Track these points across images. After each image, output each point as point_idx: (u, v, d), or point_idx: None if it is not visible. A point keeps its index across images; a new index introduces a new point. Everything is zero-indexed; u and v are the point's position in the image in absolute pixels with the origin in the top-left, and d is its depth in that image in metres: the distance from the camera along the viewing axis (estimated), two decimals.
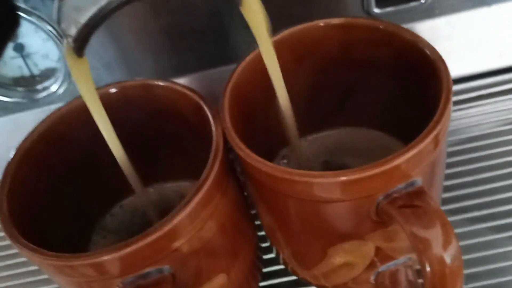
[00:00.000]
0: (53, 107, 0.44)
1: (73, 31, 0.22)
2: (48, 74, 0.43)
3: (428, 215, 0.25)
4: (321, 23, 0.30)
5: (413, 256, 0.31)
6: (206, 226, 0.27)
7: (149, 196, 0.34)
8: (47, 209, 0.31)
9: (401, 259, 0.31)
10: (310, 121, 0.32)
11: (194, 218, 0.26)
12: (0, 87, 0.43)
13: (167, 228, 0.24)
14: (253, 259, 0.33)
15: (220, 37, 0.43)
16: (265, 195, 0.29)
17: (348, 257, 0.30)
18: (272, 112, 0.32)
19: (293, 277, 0.36)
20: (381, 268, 0.31)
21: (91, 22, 0.22)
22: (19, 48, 0.41)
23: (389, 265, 0.31)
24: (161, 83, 0.30)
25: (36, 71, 0.43)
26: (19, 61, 0.42)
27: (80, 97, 0.32)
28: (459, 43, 0.42)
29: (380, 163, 0.24)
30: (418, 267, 0.32)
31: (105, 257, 0.24)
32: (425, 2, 0.39)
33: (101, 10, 0.22)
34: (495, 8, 0.40)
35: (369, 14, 0.40)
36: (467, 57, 0.42)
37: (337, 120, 0.35)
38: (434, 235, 0.24)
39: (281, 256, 0.34)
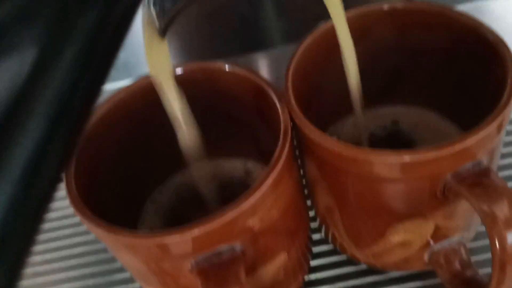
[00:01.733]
0: None
1: (161, 12, 0.23)
2: None
3: (497, 193, 0.25)
4: (384, 7, 0.31)
5: (466, 234, 0.32)
6: (275, 205, 0.27)
7: (204, 170, 0.35)
8: (105, 187, 0.31)
9: (455, 237, 0.31)
10: (365, 96, 0.32)
11: (267, 197, 0.26)
12: None
13: (245, 206, 0.25)
14: (306, 239, 0.34)
15: (251, 25, 0.43)
16: (330, 175, 0.29)
17: (407, 236, 0.30)
18: (327, 90, 0.33)
19: (340, 257, 0.37)
20: (436, 246, 0.31)
21: (180, 3, 0.22)
22: None
23: (443, 244, 0.32)
24: (222, 67, 0.31)
25: None
26: None
27: (137, 81, 0.32)
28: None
29: (453, 142, 0.25)
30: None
31: (183, 235, 0.25)
32: None
33: None
34: None
35: None
36: None
37: (390, 98, 0.36)
38: (504, 212, 0.25)
39: (330, 234, 0.35)
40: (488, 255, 0.26)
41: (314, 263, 0.37)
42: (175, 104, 0.28)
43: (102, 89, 0.17)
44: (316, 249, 0.37)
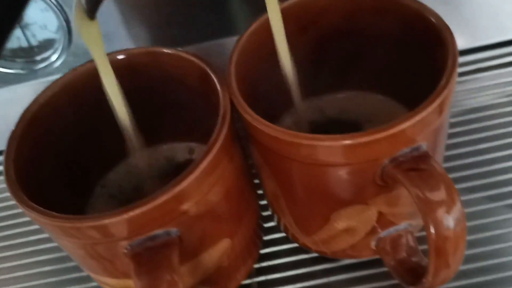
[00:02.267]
0: (52, 78, 0.43)
1: None
2: (46, 45, 0.42)
3: (433, 178, 0.25)
4: None
5: (414, 222, 0.32)
6: (213, 190, 0.27)
7: (150, 155, 0.35)
8: (49, 172, 0.31)
9: (402, 225, 0.31)
10: (315, 84, 0.32)
11: (202, 181, 0.26)
12: None
13: (176, 190, 0.25)
14: (255, 227, 0.34)
15: (220, 9, 0.43)
16: (270, 160, 0.29)
17: (350, 222, 0.30)
18: (275, 78, 0.32)
19: (293, 245, 0.37)
20: (382, 233, 0.31)
21: None
22: None
23: (390, 231, 0.31)
24: (168, 51, 0.31)
25: (34, 42, 0.42)
26: (18, 32, 0.42)
27: (84, 64, 0.32)
28: (457, 18, 0.42)
29: (388, 126, 0.25)
30: (418, 234, 0.33)
31: (115, 219, 0.25)
32: None
33: None
34: None
35: None
36: (466, 32, 0.43)
37: (342, 84, 0.36)
38: (440, 197, 0.25)
39: (282, 223, 0.35)
40: None
41: (266, 250, 0.37)
42: (109, 88, 0.28)
43: None
44: (268, 237, 0.37)
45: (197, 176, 0.25)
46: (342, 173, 0.27)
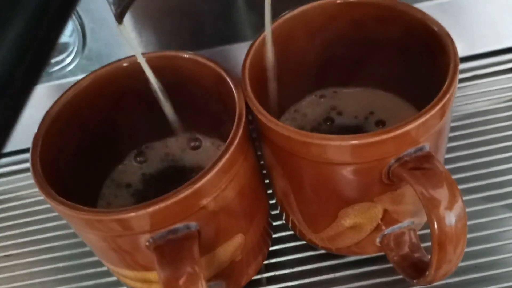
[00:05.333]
0: (66, 81, 0.45)
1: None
2: (61, 48, 0.44)
3: (436, 177, 0.27)
4: (337, 0, 0.32)
5: (416, 220, 0.34)
6: (230, 186, 0.29)
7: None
8: (69, 166, 0.33)
9: (406, 222, 0.33)
10: (323, 81, 0.34)
11: (221, 177, 0.28)
12: None
13: (197, 185, 0.26)
14: (265, 223, 0.35)
15: (227, 18, 0.45)
16: (282, 159, 0.31)
17: (357, 219, 0.32)
18: (284, 78, 0.34)
19: (300, 242, 0.38)
20: (387, 230, 0.33)
21: None
22: None
23: (394, 228, 0.33)
24: (185, 55, 0.32)
25: None
26: None
27: (103, 67, 0.34)
28: (456, 26, 0.44)
29: (394, 128, 0.26)
30: (421, 232, 0.35)
31: (139, 213, 0.26)
32: None
33: None
34: None
35: None
36: (465, 40, 0.45)
37: (349, 82, 0.37)
38: (442, 194, 0.27)
39: (290, 220, 0.36)
40: None
41: (274, 248, 0.38)
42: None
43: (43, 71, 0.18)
44: (277, 235, 0.39)
45: (215, 173, 0.27)
46: (351, 171, 0.29)
